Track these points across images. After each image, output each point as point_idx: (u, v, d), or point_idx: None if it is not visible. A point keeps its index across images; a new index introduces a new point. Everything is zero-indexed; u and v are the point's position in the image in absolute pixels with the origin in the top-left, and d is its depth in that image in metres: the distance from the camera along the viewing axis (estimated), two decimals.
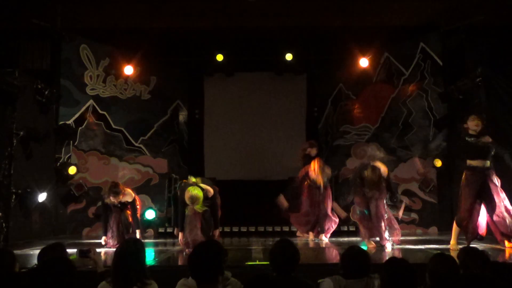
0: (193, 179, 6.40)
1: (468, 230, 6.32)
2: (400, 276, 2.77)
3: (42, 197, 8.41)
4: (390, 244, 6.53)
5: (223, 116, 11.39)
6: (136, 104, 10.57)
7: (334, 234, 8.36)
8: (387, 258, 3.33)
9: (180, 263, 5.72)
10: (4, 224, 7.56)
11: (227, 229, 9.20)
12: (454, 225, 6.49)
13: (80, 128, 9.77)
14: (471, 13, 8.88)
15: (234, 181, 10.54)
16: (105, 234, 7.12)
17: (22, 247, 6.81)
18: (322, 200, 8.18)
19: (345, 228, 9.19)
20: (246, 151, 11.15)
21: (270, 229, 9.69)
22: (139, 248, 3.16)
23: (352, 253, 3.30)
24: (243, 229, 9.70)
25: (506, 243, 6.25)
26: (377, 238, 6.75)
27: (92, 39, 10.09)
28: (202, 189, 6.31)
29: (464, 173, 6.48)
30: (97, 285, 3.11)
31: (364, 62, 10.36)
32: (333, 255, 6.12)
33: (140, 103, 10.62)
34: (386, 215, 6.67)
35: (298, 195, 8.47)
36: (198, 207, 6.24)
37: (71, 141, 9.64)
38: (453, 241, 6.44)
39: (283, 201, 8.33)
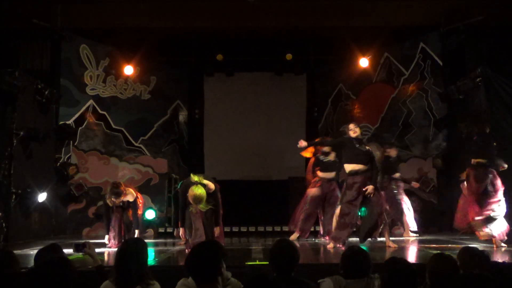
0: (195, 178, 6.40)
1: None
2: (401, 276, 2.77)
3: (42, 197, 8.41)
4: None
5: (223, 116, 11.39)
6: (136, 104, 10.58)
7: None
8: (387, 258, 3.33)
9: (180, 263, 5.72)
10: (4, 224, 7.55)
11: (227, 229, 9.17)
12: None
13: (80, 128, 9.78)
14: (471, 13, 8.88)
15: (234, 181, 10.54)
16: (108, 233, 7.13)
17: (22, 247, 6.80)
18: None
19: None
20: (246, 151, 11.16)
21: (270, 229, 9.70)
22: (140, 247, 3.15)
23: (352, 253, 3.29)
24: (243, 229, 9.71)
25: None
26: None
27: (92, 39, 10.10)
28: (204, 185, 6.32)
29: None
30: (98, 285, 3.11)
31: (364, 62, 10.37)
32: (333, 255, 6.11)
33: (140, 103, 10.63)
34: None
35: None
36: (202, 206, 6.26)
37: (71, 141, 9.64)
38: None
39: None
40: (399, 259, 2.92)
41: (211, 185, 6.46)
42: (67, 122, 9.57)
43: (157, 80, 10.88)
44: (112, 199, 6.86)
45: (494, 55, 9.48)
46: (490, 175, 6.46)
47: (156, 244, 7.76)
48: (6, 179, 7.68)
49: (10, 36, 9.81)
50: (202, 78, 11.47)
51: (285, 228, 9.65)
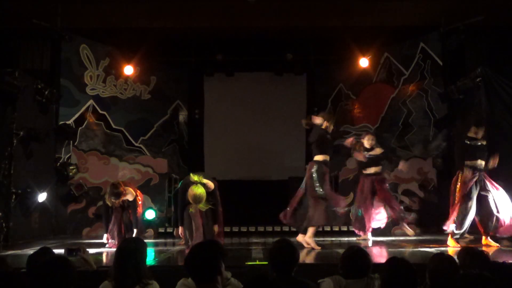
0: (195, 178, 6.41)
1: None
2: (401, 276, 2.77)
3: (42, 197, 8.40)
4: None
5: (223, 116, 11.39)
6: (136, 104, 10.58)
7: (334, 234, 8.37)
8: (387, 258, 3.33)
9: (180, 263, 5.72)
10: (4, 224, 7.56)
11: (227, 229, 9.18)
12: None
13: (80, 128, 9.77)
14: (471, 13, 8.87)
15: (234, 181, 10.54)
16: (107, 232, 7.13)
17: (22, 247, 6.80)
18: None
19: (345, 228, 9.18)
20: (246, 151, 11.16)
21: (270, 229, 9.69)
22: (139, 247, 3.15)
23: (352, 253, 3.30)
24: (243, 229, 9.71)
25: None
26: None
27: (92, 39, 10.10)
28: (204, 184, 6.33)
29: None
30: (98, 285, 3.11)
31: (364, 62, 10.37)
32: (333, 255, 6.11)
33: (140, 103, 10.64)
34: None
35: None
36: (202, 206, 6.27)
37: (71, 141, 9.64)
38: None
39: None
40: (399, 259, 2.92)
41: (211, 184, 6.47)
42: (67, 122, 9.57)
43: (157, 80, 10.89)
44: (112, 199, 6.86)
45: (494, 55, 9.48)
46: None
47: (156, 244, 7.75)
48: (6, 179, 7.68)
49: (10, 36, 9.82)
50: (202, 78, 11.47)
51: (285, 228, 9.66)
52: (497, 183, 6.60)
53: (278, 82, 11.40)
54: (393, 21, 9.78)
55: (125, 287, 2.99)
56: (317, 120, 6.69)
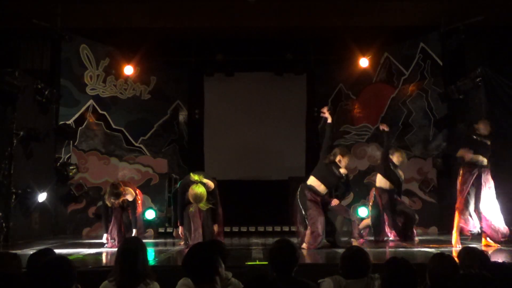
0: (195, 177, 6.41)
1: None
2: (401, 276, 2.77)
3: (42, 197, 8.40)
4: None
5: (223, 116, 11.39)
6: (136, 104, 10.58)
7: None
8: (388, 258, 3.33)
9: (180, 263, 5.72)
10: (4, 224, 7.56)
11: (227, 229, 9.19)
12: None
13: (80, 128, 9.78)
14: (471, 13, 8.87)
15: (234, 181, 10.54)
16: (107, 233, 7.13)
17: (22, 247, 6.80)
18: None
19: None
20: (246, 151, 11.15)
21: (270, 229, 9.69)
22: (140, 247, 3.15)
23: (352, 253, 3.29)
24: (243, 229, 9.71)
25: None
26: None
27: (92, 39, 10.10)
28: (204, 184, 6.33)
29: None
30: (98, 284, 3.11)
31: (364, 62, 10.37)
32: (333, 255, 6.11)
33: (140, 103, 10.63)
34: None
35: None
36: (202, 205, 6.27)
37: (71, 141, 9.64)
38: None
39: None
40: (399, 259, 2.92)
41: (211, 184, 6.47)
42: (67, 122, 9.58)
43: (157, 80, 10.88)
44: (112, 200, 6.86)
45: (494, 55, 9.48)
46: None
47: (156, 244, 7.76)
48: (6, 179, 7.68)
49: (10, 36, 9.82)
50: (202, 78, 11.47)
51: (285, 228, 9.66)
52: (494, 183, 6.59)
53: (278, 82, 11.39)
54: (393, 21, 9.78)
55: (127, 287, 2.99)
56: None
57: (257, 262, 5.04)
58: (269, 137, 11.23)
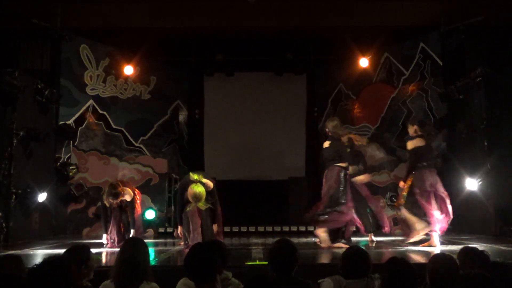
0: (195, 176, 6.41)
1: None
2: (401, 276, 2.77)
3: (42, 197, 8.40)
4: None
5: (223, 116, 11.39)
6: (136, 104, 10.58)
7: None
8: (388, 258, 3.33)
9: (180, 263, 5.72)
10: (4, 224, 7.55)
11: (227, 229, 9.20)
12: None
13: (80, 128, 9.78)
14: (471, 13, 8.87)
15: (234, 181, 10.55)
16: (106, 233, 7.13)
17: (22, 247, 6.80)
18: None
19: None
20: (246, 151, 11.16)
21: (270, 229, 9.70)
22: (140, 248, 3.14)
23: (352, 253, 3.30)
24: (243, 229, 9.71)
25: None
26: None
27: (92, 39, 10.10)
28: (203, 183, 6.34)
29: None
30: (98, 284, 3.11)
31: (364, 62, 10.37)
32: (333, 255, 6.11)
33: (140, 103, 10.64)
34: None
35: None
36: (201, 205, 6.27)
37: (71, 141, 9.64)
38: None
39: None
40: (399, 259, 2.92)
41: (210, 184, 6.48)
42: (67, 122, 9.57)
43: (157, 80, 10.89)
44: (110, 200, 6.87)
45: (494, 55, 9.47)
46: None
47: (156, 244, 7.75)
48: (6, 179, 7.67)
49: (10, 36, 9.81)
50: (202, 78, 11.48)
51: (285, 228, 9.66)
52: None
53: (278, 82, 11.40)
54: (393, 21, 9.78)
55: (127, 287, 2.99)
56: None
57: (257, 262, 5.04)
58: (269, 137, 11.24)
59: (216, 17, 9.73)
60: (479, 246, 5.94)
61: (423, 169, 6.63)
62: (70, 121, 9.65)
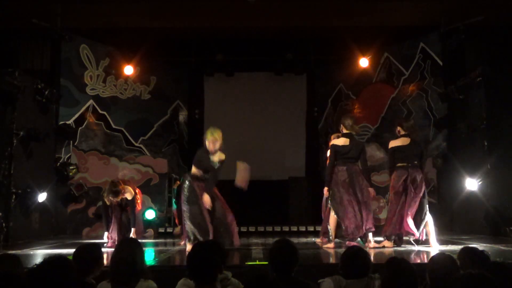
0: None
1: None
2: (401, 276, 2.77)
3: (42, 197, 8.40)
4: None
5: (223, 116, 11.39)
6: (136, 104, 10.59)
7: None
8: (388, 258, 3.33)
9: (180, 263, 5.72)
10: (4, 224, 7.56)
11: None
12: None
13: (80, 128, 9.78)
14: (471, 13, 8.87)
15: (234, 181, 10.53)
16: (108, 231, 7.14)
17: (22, 247, 6.80)
18: None
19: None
20: (246, 151, 11.13)
21: (270, 229, 9.69)
22: (134, 247, 3.14)
23: (352, 253, 3.30)
24: (243, 229, 9.69)
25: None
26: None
27: (92, 39, 10.10)
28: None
29: None
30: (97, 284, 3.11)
31: (364, 62, 10.38)
32: (333, 255, 6.11)
33: (140, 103, 10.64)
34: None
35: None
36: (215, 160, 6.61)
37: (71, 141, 9.64)
38: None
39: None
40: (399, 259, 2.92)
41: (222, 156, 6.56)
42: (67, 122, 9.58)
43: (157, 80, 10.89)
44: (110, 197, 6.87)
45: (494, 55, 9.47)
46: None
47: (156, 244, 7.75)
48: (6, 179, 7.67)
49: (10, 36, 9.81)
50: (202, 78, 11.48)
51: (285, 228, 9.66)
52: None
53: (278, 82, 11.41)
54: (393, 21, 9.78)
55: (123, 286, 3.00)
56: None
57: (257, 262, 5.04)
58: (269, 137, 11.24)
59: (216, 17, 9.73)
60: (479, 246, 5.95)
61: (400, 169, 6.59)
62: (70, 121, 9.65)
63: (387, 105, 10.31)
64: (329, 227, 6.73)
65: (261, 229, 9.69)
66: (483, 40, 9.69)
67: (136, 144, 10.43)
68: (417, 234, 6.37)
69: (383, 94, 10.39)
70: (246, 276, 3.14)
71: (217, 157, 6.30)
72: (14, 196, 7.77)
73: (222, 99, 11.52)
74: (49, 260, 2.63)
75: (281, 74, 11.30)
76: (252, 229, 9.70)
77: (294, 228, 9.66)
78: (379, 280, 3.02)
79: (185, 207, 6.41)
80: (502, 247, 6.28)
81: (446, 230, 8.82)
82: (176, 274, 3.16)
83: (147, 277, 3.06)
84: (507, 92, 7.98)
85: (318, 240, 7.39)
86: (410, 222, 6.35)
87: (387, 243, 6.52)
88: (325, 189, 6.85)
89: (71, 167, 9.40)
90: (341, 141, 6.71)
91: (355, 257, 3.23)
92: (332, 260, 5.63)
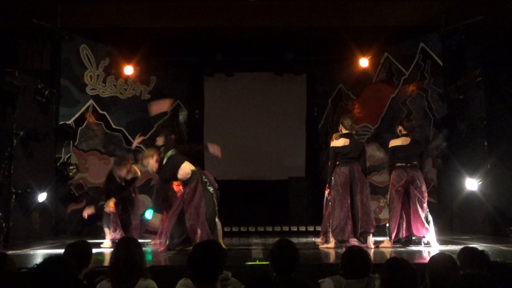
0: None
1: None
2: (401, 276, 2.77)
3: (42, 197, 8.40)
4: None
5: (223, 116, 11.40)
6: (136, 104, 10.58)
7: None
8: (388, 258, 3.33)
9: (180, 263, 5.72)
10: (4, 224, 7.56)
11: (227, 229, 9.20)
12: None
13: (80, 128, 9.77)
14: (471, 13, 8.87)
15: (234, 181, 10.55)
16: (108, 228, 7.17)
17: (22, 247, 6.80)
18: None
19: None
20: (246, 151, 11.16)
21: (270, 229, 9.70)
22: (134, 247, 3.14)
23: (352, 253, 3.30)
24: (243, 229, 9.71)
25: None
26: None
27: (92, 39, 10.10)
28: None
29: None
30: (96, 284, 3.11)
31: (364, 62, 10.37)
32: (333, 255, 6.11)
33: (140, 103, 10.63)
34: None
35: None
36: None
37: (71, 141, 9.64)
38: None
39: None
40: (399, 259, 2.92)
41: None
42: (67, 122, 9.57)
43: (157, 80, 10.89)
44: (116, 169, 7.12)
45: (494, 55, 9.47)
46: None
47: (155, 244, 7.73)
48: (6, 179, 7.67)
49: (10, 36, 9.81)
50: (202, 78, 11.48)
51: (285, 228, 9.67)
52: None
53: (278, 82, 11.41)
54: (393, 21, 9.79)
55: (122, 286, 3.00)
56: None
57: (257, 262, 5.04)
58: (269, 137, 11.24)
59: (216, 17, 9.74)
60: (479, 246, 5.95)
61: (399, 169, 6.58)
62: (70, 121, 9.64)
63: (387, 105, 10.30)
64: (329, 227, 6.73)
65: (261, 229, 9.69)
66: (483, 40, 9.69)
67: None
68: (428, 234, 6.39)
69: (383, 94, 10.39)
70: (246, 276, 3.14)
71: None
72: (14, 196, 7.77)
73: (222, 99, 11.52)
74: (49, 260, 2.63)
75: (281, 74, 11.30)
76: (252, 229, 9.71)
77: (294, 228, 9.66)
78: (379, 280, 3.02)
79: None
80: (502, 247, 6.29)
81: (446, 230, 8.82)
82: (176, 274, 3.16)
83: (146, 276, 3.06)
84: (507, 92, 7.98)
85: (318, 240, 7.40)
86: (419, 225, 6.39)
87: (387, 243, 6.52)
88: (326, 189, 6.87)
89: (71, 167, 9.40)
90: (340, 142, 6.68)
91: (355, 257, 3.23)
92: (332, 260, 5.64)
